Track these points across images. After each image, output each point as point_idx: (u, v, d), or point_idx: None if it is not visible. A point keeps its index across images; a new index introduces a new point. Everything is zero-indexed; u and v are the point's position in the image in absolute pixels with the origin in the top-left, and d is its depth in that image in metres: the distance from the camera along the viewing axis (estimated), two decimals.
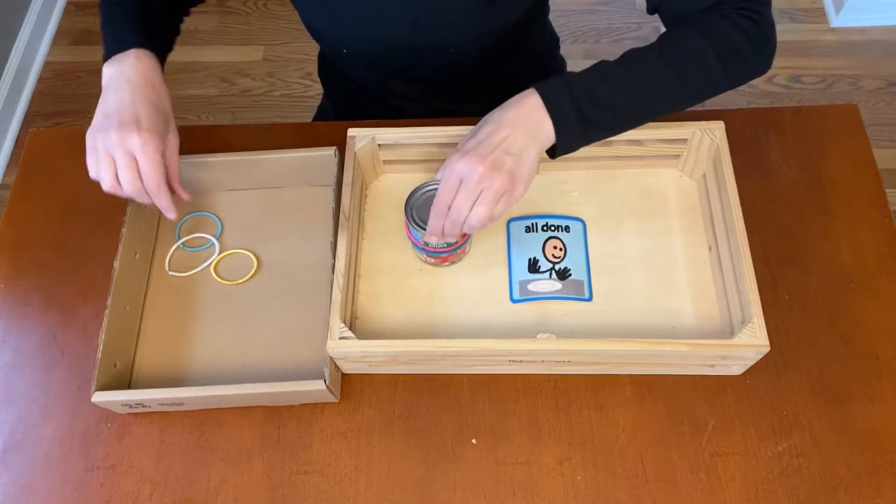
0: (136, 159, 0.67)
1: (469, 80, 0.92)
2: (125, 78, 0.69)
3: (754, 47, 0.69)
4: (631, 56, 0.68)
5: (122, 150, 0.66)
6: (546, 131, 0.65)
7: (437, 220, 0.67)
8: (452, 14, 0.79)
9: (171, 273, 0.81)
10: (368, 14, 0.80)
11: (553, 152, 0.68)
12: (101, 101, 0.69)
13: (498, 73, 0.92)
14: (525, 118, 0.65)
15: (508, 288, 0.77)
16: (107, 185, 0.68)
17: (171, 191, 0.71)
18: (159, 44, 0.74)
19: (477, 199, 0.64)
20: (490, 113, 0.67)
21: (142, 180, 0.67)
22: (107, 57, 0.71)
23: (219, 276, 0.80)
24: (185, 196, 0.74)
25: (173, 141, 0.71)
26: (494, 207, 0.64)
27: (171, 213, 0.71)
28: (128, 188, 0.67)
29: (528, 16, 0.87)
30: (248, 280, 0.80)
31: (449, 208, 0.66)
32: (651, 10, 0.77)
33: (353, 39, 0.84)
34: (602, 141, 0.77)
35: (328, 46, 0.93)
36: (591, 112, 0.65)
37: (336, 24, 0.82)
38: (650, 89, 0.67)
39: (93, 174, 0.68)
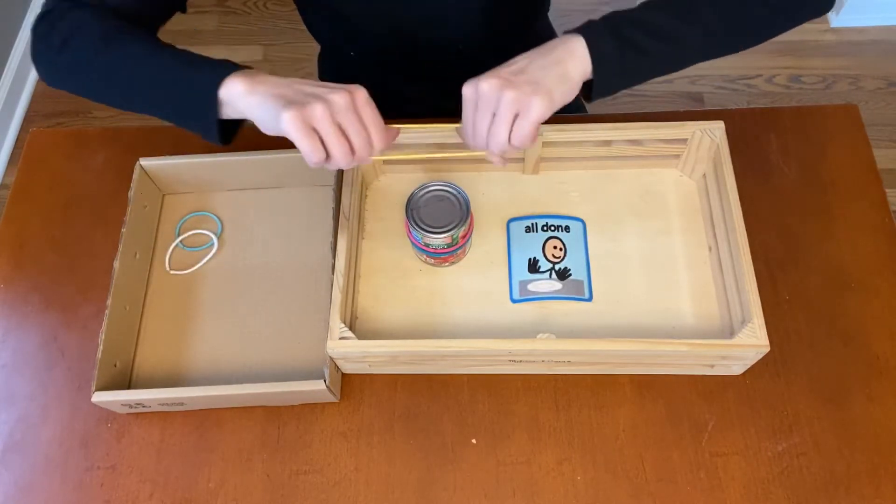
0: (359, 115, 0.59)
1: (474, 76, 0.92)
2: (277, 77, 0.60)
3: None
4: None
5: (350, 110, 0.58)
6: (576, 53, 0.60)
7: (469, 140, 0.64)
8: (461, 14, 0.79)
9: (171, 272, 0.81)
10: (373, 15, 0.80)
11: (590, 91, 0.63)
12: (272, 98, 0.58)
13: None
14: (550, 43, 0.61)
15: (508, 288, 0.77)
16: (342, 161, 0.59)
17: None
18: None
19: (493, 119, 0.61)
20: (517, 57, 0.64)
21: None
22: (212, 86, 0.59)
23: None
24: (394, 134, 0.65)
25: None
26: (512, 125, 0.60)
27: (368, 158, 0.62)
28: (363, 149, 0.59)
29: (531, 13, 0.87)
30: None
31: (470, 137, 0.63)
32: None
33: (359, 40, 0.84)
34: (602, 140, 0.78)
35: (335, 50, 0.93)
36: (630, 31, 0.60)
37: (344, 27, 0.82)
38: (695, 13, 0.61)
39: (314, 159, 0.58)
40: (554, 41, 0.62)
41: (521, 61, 0.62)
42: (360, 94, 0.59)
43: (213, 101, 0.59)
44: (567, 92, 0.61)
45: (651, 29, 0.61)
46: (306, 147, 0.57)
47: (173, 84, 0.61)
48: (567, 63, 0.60)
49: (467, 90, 0.62)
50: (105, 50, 0.63)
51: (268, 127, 0.58)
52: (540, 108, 0.59)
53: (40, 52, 0.67)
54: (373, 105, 0.60)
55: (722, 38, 0.64)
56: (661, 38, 0.62)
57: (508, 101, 0.59)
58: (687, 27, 0.62)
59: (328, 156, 0.59)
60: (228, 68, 0.60)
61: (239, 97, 0.58)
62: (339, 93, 0.57)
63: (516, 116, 0.60)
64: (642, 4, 0.62)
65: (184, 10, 0.74)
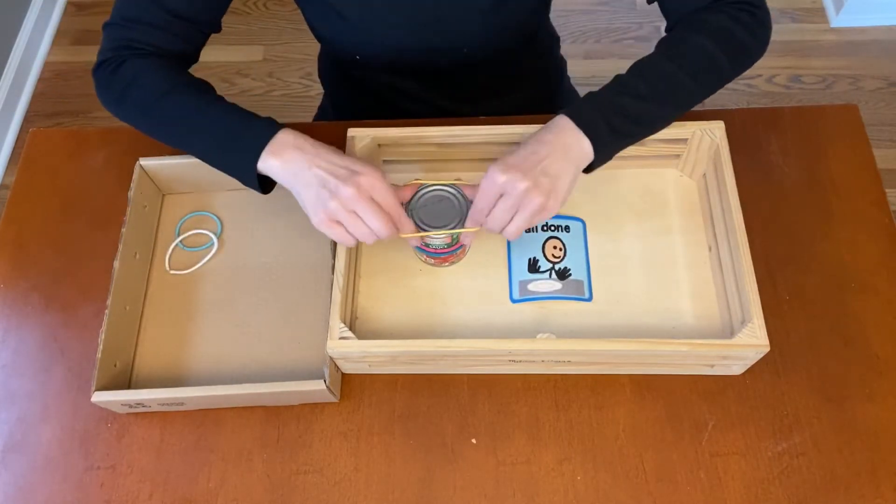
0: (374, 201, 0.65)
1: (475, 80, 0.93)
2: (299, 150, 0.67)
3: (753, 36, 0.72)
4: (642, 65, 0.71)
5: (362, 201, 0.64)
6: (584, 150, 0.67)
7: (471, 223, 0.70)
8: (466, 17, 0.80)
9: (171, 272, 0.81)
10: (379, 19, 0.80)
11: (589, 168, 0.70)
12: (301, 188, 0.66)
13: (503, 72, 0.93)
14: (561, 140, 0.67)
15: (508, 288, 0.77)
16: (365, 240, 0.67)
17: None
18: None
19: (515, 214, 0.66)
20: (529, 136, 0.69)
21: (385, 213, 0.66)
22: (254, 151, 0.67)
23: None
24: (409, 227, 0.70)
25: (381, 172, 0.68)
26: (529, 221, 0.66)
27: (414, 242, 0.72)
28: (381, 230, 0.66)
29: (535, 15, 0.87)
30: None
31: (486, 217, 0.68)
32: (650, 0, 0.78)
33: (365, 44, 0.84)
34: None
35: (341, 54, 0.93)
36: (620, 124, 0.68)
37: (350, 32, 0.82)
38: (668, 93, 0.70)
39: (350, 243, 0.67)
40: (567, 137, 0.67)
41: (541, 151, 0.66)
42: (364, 179, 0.65)
43: (253, 172, 0.69)
44: (572, 189, 0.69)
45: (637, 119, 0.69)
46: (337, 238, 0.67)
47: (221, 146, 0.70)
48: (580, 165, 0.68)
49: (500, 177, 0.65)
50: (164, 101, 0.72)
51: (305, 211, 0.68)
52: (551, 213, 0.67)
53: (104, 99, 0.75)
54: (381, 185, 0.65)
55: (691, 102, 0.73)
56: (644, 125, 0.71)
57: (534, 207, 0.65)
58: (664, 109, 0.71)
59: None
60: (265, 135, 0.68)
61: (272, 171, 0.68)
62: (347, 186, 0.64)
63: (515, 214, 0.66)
64: (627, 86, 0.69)
65: (219, 30, 0.81)
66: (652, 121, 0.71)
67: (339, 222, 0.65)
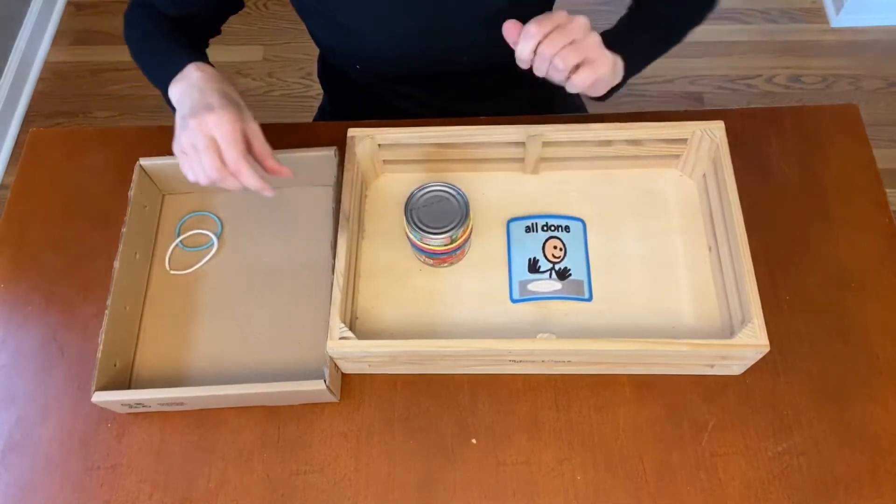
0: (214, 141, 0.63)
1: (477, 82, 0.92)
2: (190, 84, 0.68)
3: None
4: (637, 14, 0.80)
5: (201, 135, 0.63)
6: (619, 68, 0.72)
7: (512, 29, 0.65)
8: (467, 28, 0.80)
9: (172, 272, 0.81)
10: (382, 29, 0.80)
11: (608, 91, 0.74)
12: (177, 116, 0.67)
13: (503, 77, 0.93)
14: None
15: (508, 288, 0.77)
16: (199, 179, 0.65)
17: (267, 170, 0.68)
18: (205, 58, 0.74)
19: (569, 46, 0.64)
20: None
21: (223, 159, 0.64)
22: (166, 82, 0.71)
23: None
24: (286, 173, 0.68)
25: (253, 124, 0.66)
26: (581, 62, 0.64)
27: (267, 191, 0.66)
28: (210, 171, 0.63)
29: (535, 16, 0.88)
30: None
31: (538, 45, 0.64)
32: None
33: (366, 53, 0.85)
34: (602, 140, 0.78)
35: (342, 62, 0.93)
36: (637, 62, 0.76)
37: (350, 41, 0.82)
38: (668, 41, 0.82)
39: (190, 178, 0.66)
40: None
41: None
42: (213, 118, 0.63)
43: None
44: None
45: (647, 57, 0.79)
46: (183, 170, 0.67)
47: (156, 79, 0.75)
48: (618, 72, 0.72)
49: (557, 16, 0.65)
50: (139, 45, 0.79)
51: None
52: (607, 71, 0.67)
53: (125, 38, 0.82)
54: (226, 130, 0.63)
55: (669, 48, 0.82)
56: (646, 61, 0.79)
57: (597, 44, 0.65)
58: (661, 53, 0.82)
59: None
60: (176, 68, 0.71)
61: (174, 101, 0.70)
62: (193, 119, 0.64)
63: (585, 62, 0.65)
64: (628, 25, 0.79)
65: (241, 7, 0.89)
66: (651, 56, 0.81)
67: (185, 153, 0.65)
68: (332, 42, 0.85)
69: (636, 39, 0.77)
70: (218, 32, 0.87)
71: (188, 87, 0.68)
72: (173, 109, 0.70)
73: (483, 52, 0.84)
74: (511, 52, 0.85)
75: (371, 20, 0.79)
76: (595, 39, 0.65)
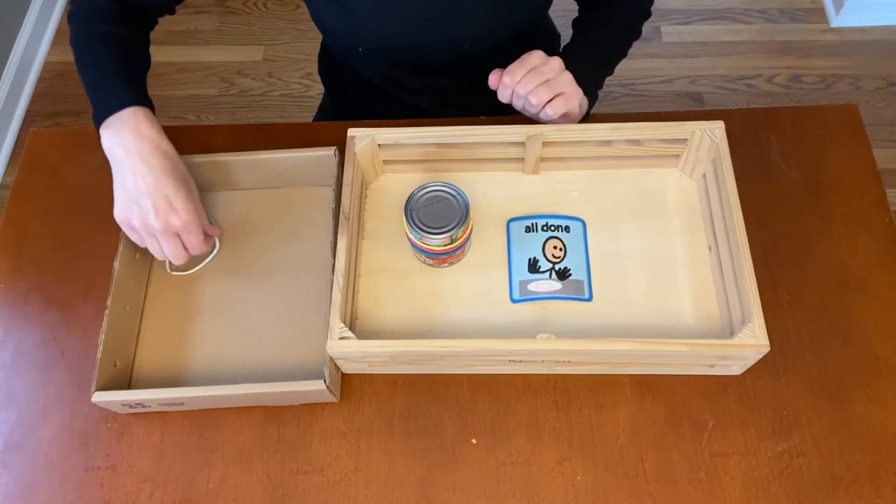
0: (179, 237, 0.71)
1: (478, 73, 0.93)
2: (138, 156, 0.69)
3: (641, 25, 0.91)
4: (594, 35, 0.86)
5: (166, 235, 0.70)
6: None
7: (494, 77, 0.75)
8: (469, 11, 0.80)
9: (171, 273, 0.81)
10: (385, 13, 0.81)
11: None
12: (117, 179, 0.71)
13: (503, 67, 0.93)
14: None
15: (508, 288, 0.77)
16: (158, 256, 0.73)
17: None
18: (146, 93, 0.75)
19: (543, 84, 0.73)
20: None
21: (186, 250, 0.73)
22: (99, 115, 0.71)
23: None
24: (217, 233, 0.80)
25: (196, 199, 0.73)
26: (554, 97, 0.74)
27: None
28: (178, 261, 0.72)
29: (537, 10, 0.88)
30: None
31: (515, 86, 0.74)
32: None
33: (369, 38, 0.85)
34: (602, 140, 0.78)
35: (342, 45, 0.93)
36: (595, 83, 0.84)
37: (352, 23, 0.82)
38: (614, 63, 0.88)
39: (139, 244, 0.73)
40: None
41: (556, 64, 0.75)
42: (179, 223, 0.70)
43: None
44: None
45: (601, 80, 0.86)
46: (131, 237, 0.73)
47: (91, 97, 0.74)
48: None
49: (532, 58, 0.74)
50: (79, 47, 0.77)
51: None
52: (576, 108, 0.77)
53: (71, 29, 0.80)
54: (193, 232, 0.71)
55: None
56: (599, 83, 0.86)
57: (569, 82, 0.75)
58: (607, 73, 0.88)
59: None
60: (105, 109, 0.71)
61: (105, 147, 0.72)
62: (158, 222, 0.69)
63: (558, 95, 0.74)
64: (606, 55, 0.87)
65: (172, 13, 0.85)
66: (604, 76, 0.87)
67: (156, 237, 0.71)
68: (335, 25, 0.85)
69: (587, 68, 0.81)
70: (172, 11, 0.85)
71: (134, 157, 0.69)
72: (96, 120, 0.72)
73: (485, 39, 0.85)
74: (512, 43, 0.87)
75: (373, 4, 0.80)
76: (567, 77, 0.75)
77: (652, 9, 0.92)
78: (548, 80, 0.73)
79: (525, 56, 0.74)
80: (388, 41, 0.84)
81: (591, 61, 0.83)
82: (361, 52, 0.88)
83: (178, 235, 0.71)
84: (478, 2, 0.79)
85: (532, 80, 0.73)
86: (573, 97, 0.75)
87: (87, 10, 0.77)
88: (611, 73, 0.87)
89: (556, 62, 0.74)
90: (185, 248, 0.72)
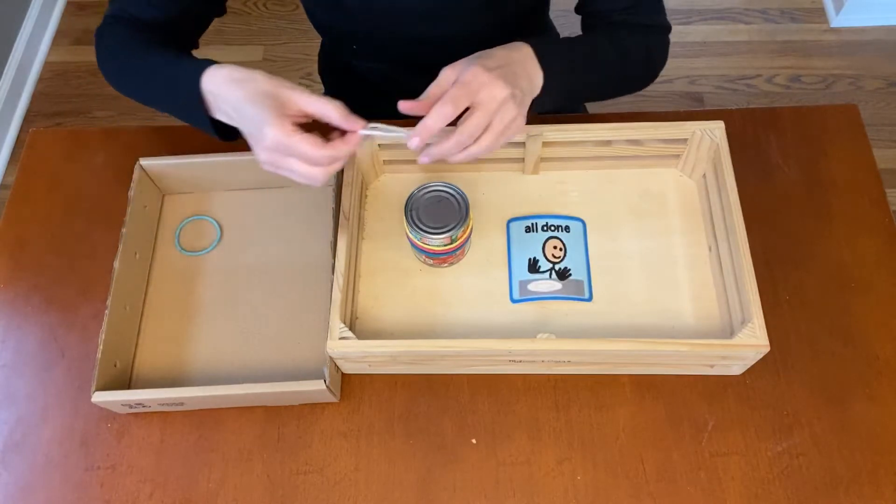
0: (293, 153, 0.61)
1: None
2: (224, 104, 0.65)
3: (662, 58, 0.81)
4: (588, 36, 0.76)
5: (277, 156, 0.62)
6: (536, 82, 0.67)
7: (435, 119, 0.62)
8: (461, 8, 0.80)
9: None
10: (379, 9, 0.80)
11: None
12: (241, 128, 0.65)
13: None
14: (526, 63, 0.66)
15: (508, 288, 0.77)
16: (303, 180, 0.64)
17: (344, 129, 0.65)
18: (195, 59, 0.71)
19: (488, 127, 0.62)
20: (491, 49, 0.66)
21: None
22: (194, 102, 0.66)
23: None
24: (359, 126, 0.65)
25: (298, 97, 0.62)
26: (499, 139, 0.63)
27: (413, 142, 0.65)
28: (316, 182, 0.63)
29: (532, 10, 0.88)
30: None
31: (457, 130, 0.63)
32: (578, 9, 0.82)
33: (364, 34, 0.85)
34: (602, 140, 0.78)
35: (337, 42, 0.93)
36: (571, 83, 0.71)
37: (346, 19, 0.82)
38: (612, 77, 0.77)
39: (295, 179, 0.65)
40: (527, 61, 0.66)
41: (514, 56, 0.65)
42: (271, 140, 0.60)
43: (201, 118, 0.66)
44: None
45: (581, 87, 0.75)
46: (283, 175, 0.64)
47: (166, 84, 0.68)
48: (534, 80, 0.66)
49: (477, 70, 0.62)
50: (127, 61, 0.73)
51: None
52: (517, 132, 0.65)
53: (99, 62, 0.76)
54: (291, 142, 0.60)
55: (610, 95, 0.79)
56: (582, 92, 0.77)
57: (509, 118, 0.62)
58: (602, 88, 0.78)
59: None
60: (195, 78, 0.66)
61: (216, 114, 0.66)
62: (261, 151, 0.62)
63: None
64: (588, 54, 0.74)
65: (223, 13, 0.82)
66: (588, 92, 0.78)
67: (274, 166, 0.63)
68: (330, 22, 0.85)
69: (569, 57, 0.72)
70: (196, 45, 0.82)
71: (210, 97, 0.65)
72: (198, 121, 0.67)
73: (480, 38, 0.84)
74: (506, 40, 0.85)
75: (368, 0, 0.80)
76: (492, 92, 0.61)
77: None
78: (491, 120, 0.62)
79: (431, 89, 0.65)
80: (382, 37, 0.84)
81: (569, 53, 0.72)
82: (357, 50, 0.88)
83: (292, 153, 0.61)
84: (473, 1, 0.79)
85: (480, 119, 0.62)
86: (504, 118, 0.62)
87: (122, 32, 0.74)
88: (597, 84, 0.76)
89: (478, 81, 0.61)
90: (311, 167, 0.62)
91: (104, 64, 0.75)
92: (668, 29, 0.81)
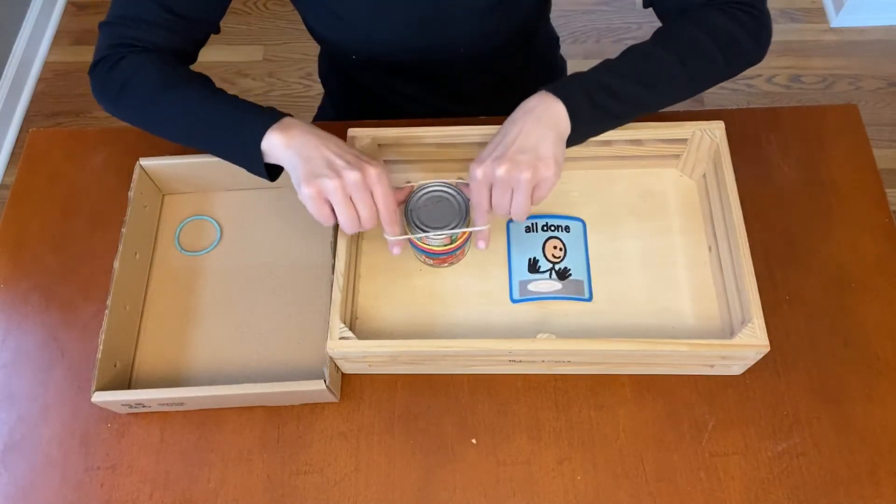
0: (370, 191, 0.66)
1: (474, 80, 0.92)
2: (310, 133, 0.67)
3: (753, 38, 0.72)
4: (632, 50, 0.71)
5: (361, 186, 0.65)
6: (558, 114, 0.66)
7: (480, 220, 0.70)
8: (462, 16, 0.80)
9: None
10: (377, 19, 0.80)
11: (572, 140, 0.69)
12: (304, 162, 0.66)
13: (502, 73, 0.93)
14: (537, 109, 0.67)
15: (508, 288, 0.77)
16: (349, 228, 0.67)
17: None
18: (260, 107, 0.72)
19: (513, 193, 0.66)
20: (506, 120, 0.69)
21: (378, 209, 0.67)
22: (258, 132, 0.67)
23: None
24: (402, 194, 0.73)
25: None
26: (532, 195, 0.66)
27: (397, 249, 0.72)
28: (368, 221, 0.67)
29: (533, 16, 0.87)
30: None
31: (490, 207, 0.68)
32: (646, 4, 0.78)
33: (362, 45, 0.84)
34: (602, 140, 0.78)
35: (336, 53, 0.93)
36: (602, 99, 0.68)
37: (344, 30, 0.82)
38: (655, 76, 0.70)
39: (326, 222, 0.67)
40: (537, 105, 0.67)
41: (512, 132, 0.66)
42: (372, 171, 0.65)
43: (257, 152, 0.68)
44: (563, 151, 0.68)
45: (619, 96, 0.68)
46: (315, 213, 0.66)
47: (224, 132, 0.70)
48: (559, 127, 0.66)
49: (478, 173, 0.66)
50: (163, 96, 0.71)
51: (294, 183, 0.67)
52: (553, 178, 0.66)
53: (100, 98, 0.75)
54: (385, 182, 0.66)
55: (680, 91, 0.71)
56: (627, 104, 0.70)
57: (525, 182, 0.64)
58: (649, 92, 0.70)
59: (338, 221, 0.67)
60: (271, 118, 0.68)
61: (276, 149, 0.67)
62: (353, 171, 0.65)
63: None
64: (612, 66, 0.69)
65: (217, 31, 0.81)
66: (636, 101, 0.70)
67: (328, 201, 0.65)
68: (328, 33, 0.85)
69: (611, 82, 0.69)
70: (213, 33, 0.81)
71: (307, 135, 0.67)
72: (249, 164, 0.69)
73: (479, 44, 0.84)
74: (509, 46, 0.84)
75: (366, 10, 0.79)
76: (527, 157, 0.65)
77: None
78: (501, 187, 0.66)
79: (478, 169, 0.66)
80: (381, 46, 0.84)
81: (598, 74, 0.69)
82: (356, 60, 0.88)
83: (369, 191, 0.66)
84: (469, 7, 0.79)
85: (502, 197, 0.67)
86: (542, 175, 0.65)
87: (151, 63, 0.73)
88: (649, 97, 0.70)
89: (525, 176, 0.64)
90: (376, 206, 0.67)
91: (119, 97, 0.73)
92: (758, 10, 0.72)
